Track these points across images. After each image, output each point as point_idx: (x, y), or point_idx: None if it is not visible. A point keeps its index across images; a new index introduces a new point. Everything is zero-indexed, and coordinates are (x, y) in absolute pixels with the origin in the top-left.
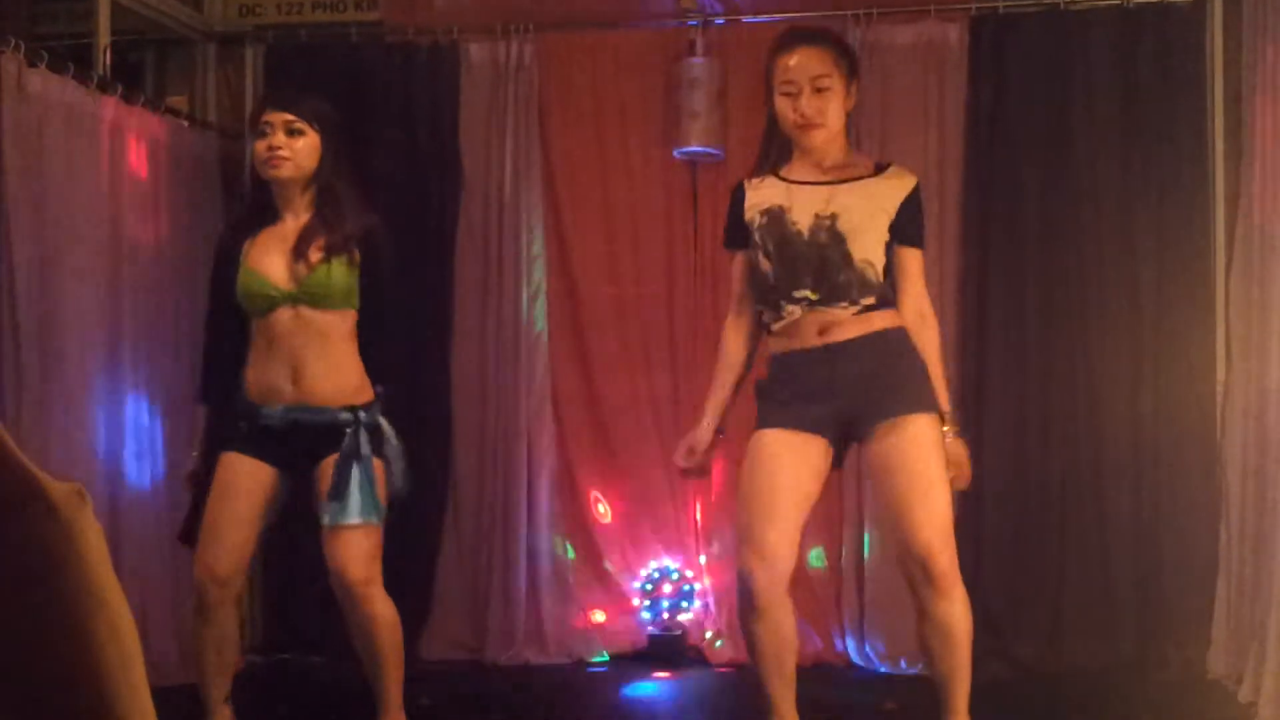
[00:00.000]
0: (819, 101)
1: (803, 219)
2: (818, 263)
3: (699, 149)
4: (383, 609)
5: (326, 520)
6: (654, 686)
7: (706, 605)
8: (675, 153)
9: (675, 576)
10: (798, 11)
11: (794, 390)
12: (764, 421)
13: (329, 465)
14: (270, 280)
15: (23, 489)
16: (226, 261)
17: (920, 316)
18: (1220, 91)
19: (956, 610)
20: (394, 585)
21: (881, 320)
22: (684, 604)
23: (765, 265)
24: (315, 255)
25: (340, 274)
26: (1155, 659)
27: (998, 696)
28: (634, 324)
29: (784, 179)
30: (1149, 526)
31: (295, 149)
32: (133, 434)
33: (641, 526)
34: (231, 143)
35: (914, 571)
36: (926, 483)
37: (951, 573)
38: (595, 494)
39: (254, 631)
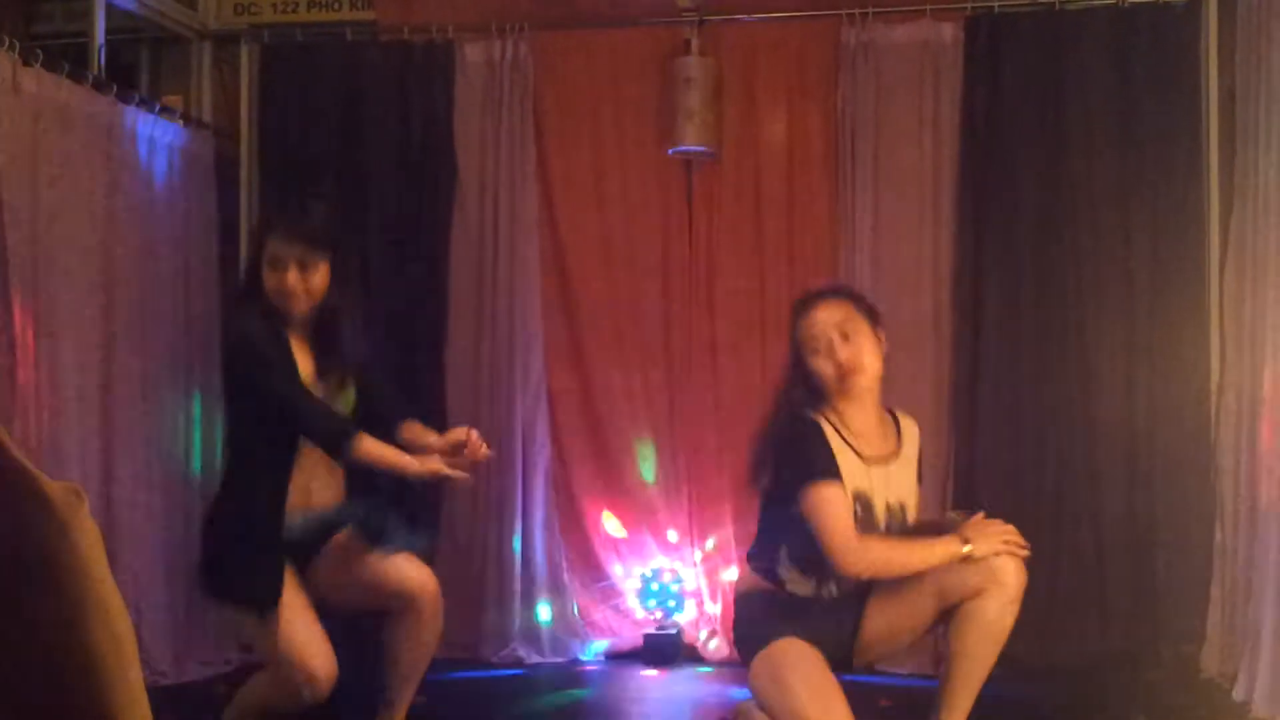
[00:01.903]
0: (851, 347)
1: (880, 510)
2: None
3: (693, 147)
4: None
5: (390, 549)
6: (648, 685)
7: (700, 604)
8: (670, 151)
9: (669, 575)
10: (794, 11)
11: (798, 610)
12: (779, 632)
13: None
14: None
15: (20, 488)
16: (285, 346)
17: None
18: (1215, 91)
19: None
20: None
21: None
22: (678, 603)
23: None
24: (325, 386)
25: (348, 398)
26: (1149, 657)
27: (991, 694)
28: (628, 322)
29: (852, 448)
30: (1143, 524)
31: (311, 286)
32: (128, 433)
33: (636, 525)
34: (226, 142)
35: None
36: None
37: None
38: (589, 492)
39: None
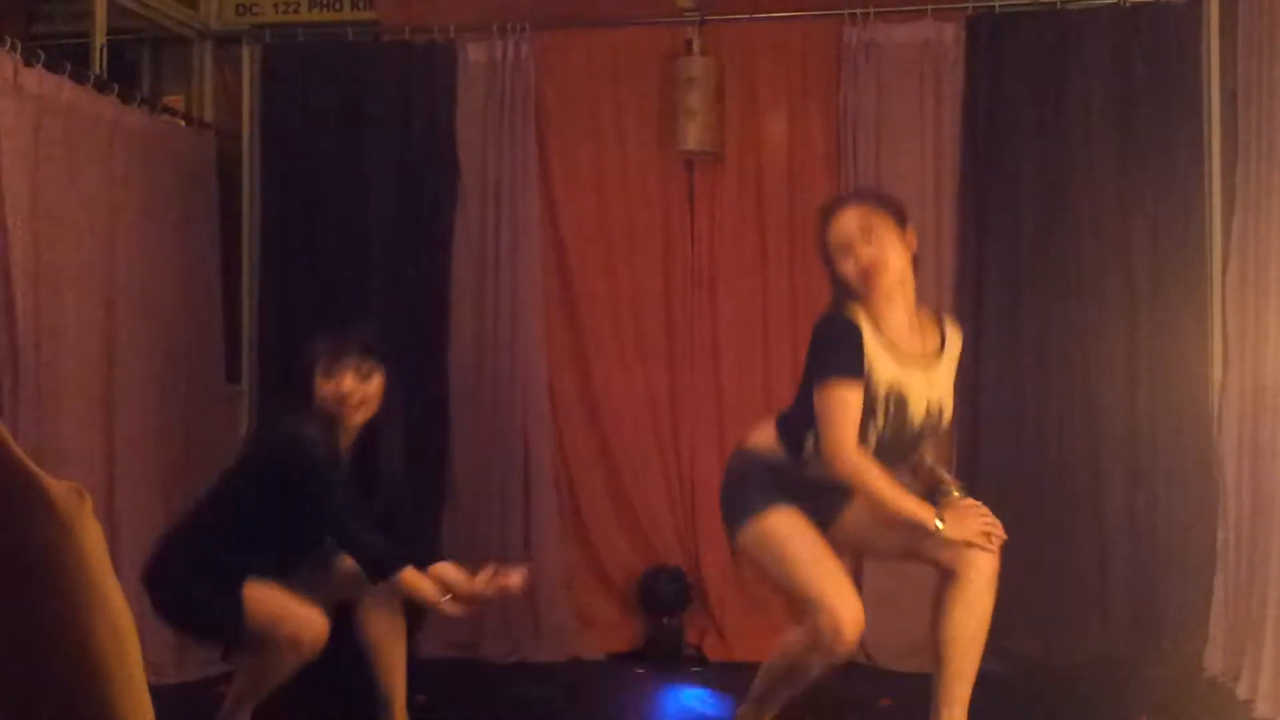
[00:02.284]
0: (873, 248)
1: (919, 407)
2: (916, 444)
3: (695, 147)
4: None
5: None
6: (651, 684)
7: (703, 603)
8: (672, 152)
9: (672, 574)
10: (795, 11)
11: (790, 478)
12: (771, 500)
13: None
14: None
15: (23, 488)
16: (342, 468)
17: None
18: (1216, 91)
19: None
20: None
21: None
22: (681, 602)
23: (875, 428)
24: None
25: None
26: (1152, 656)
27: (994, 692)
28: (630, 322)
29: (886, 344)
30: (1146, 523)
31: (368, 395)
32: (129, 433)
33: (638, 524)
34: (228, 142)
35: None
36: None
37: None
38: (592, 491)
39: None
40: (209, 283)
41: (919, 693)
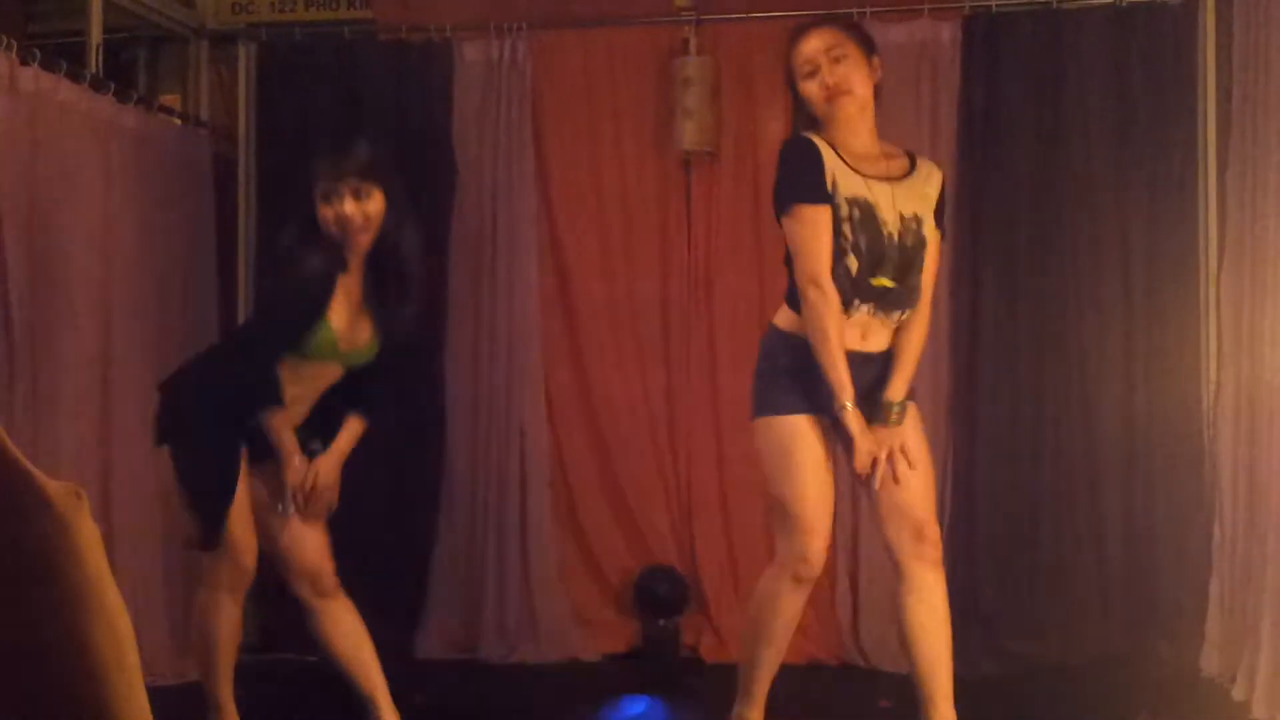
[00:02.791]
0: (840, 69)
1: (890, 218)
2: (903, 266)
3: (692, 147)
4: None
5: (280, 509)
6: (647, 685)
7: (700, 604)
8: (669, 151)
9: (669, 575)
10: (791, 10)
11: (816, 379)
12: (793, 406)
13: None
14: (339, 344)
15: (20, 488)
16: (316, 301)
17: (926, 306)
18: (1212, 91)
19: (942, 586)
20: (387, 583)
21: (904, 328)
22: (677, 603)
23: (851, 260)
24: (368, 329)
25: (374, 348)
26: (1148, 657)
27: (990, 693)
28: (627, 321)
29: (849, 165)
30: (1142, 523)
31: (369, 214)
32: (125, 433)
33: (635, 524)
34: (224, 141)
35: (905, 541)
36: (920, 465)
37: (938, 545)
38: (588, 491)
39: (248, 630)
40: (205, 282)
41: (914, 696)
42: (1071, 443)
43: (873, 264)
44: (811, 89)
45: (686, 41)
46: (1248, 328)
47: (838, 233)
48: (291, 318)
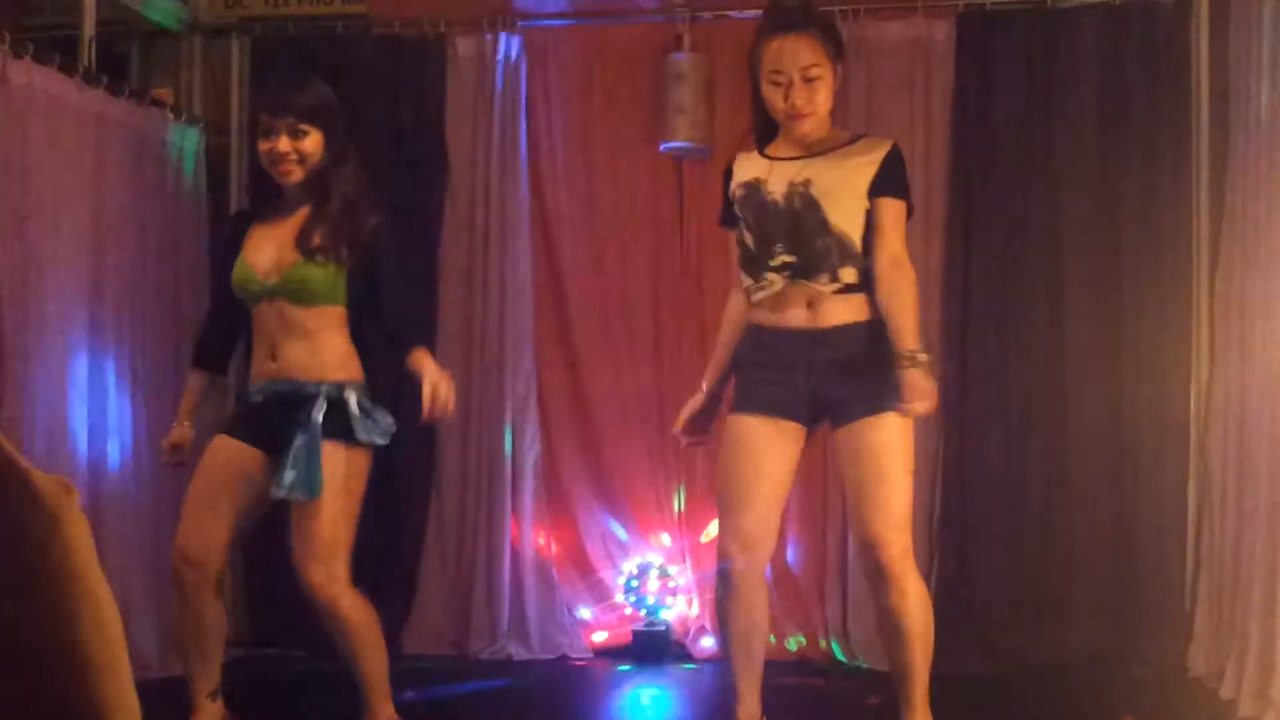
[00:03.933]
0: (808, 91)
1: (778, 188)
2: (791, 228)
3: (685, 144)
4: (348, 608)
5: (272, 492)
6: (638, 681)
7: (690, 600)
8: (661, 147)
9: (659, 571)
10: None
11: (773, 369)
12: (743, 404)
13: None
14: (256, 274)
15: (10, 481)
16: (229, 245)
17: (894, 263)
18: (1205, 90)
19: (909, 604)
20: (377, 579)
21: (862, 308)
22: (668, 599)
23: (746, 236)
24: (294, 255)
25: (319, 274)
26: (1136, 656)
27: (979, 692)
28: (619, 318)
29: (767, 155)
30: (1130, 524)
31: (302, 151)
32: (116, 428)
33: (626, 521)
34: (217, 135)
35: (868, 563)
36: (881, 476)
37: (902, 563)
38: (579, 488)
39: (238, 625)
40: (198, 276)
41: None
42: (1061, 443)
43: (765, 235)
44: (775, 99)
45: (680, 38)
46: (1238, 329)
47: (737, 216)
48: (217, 257)
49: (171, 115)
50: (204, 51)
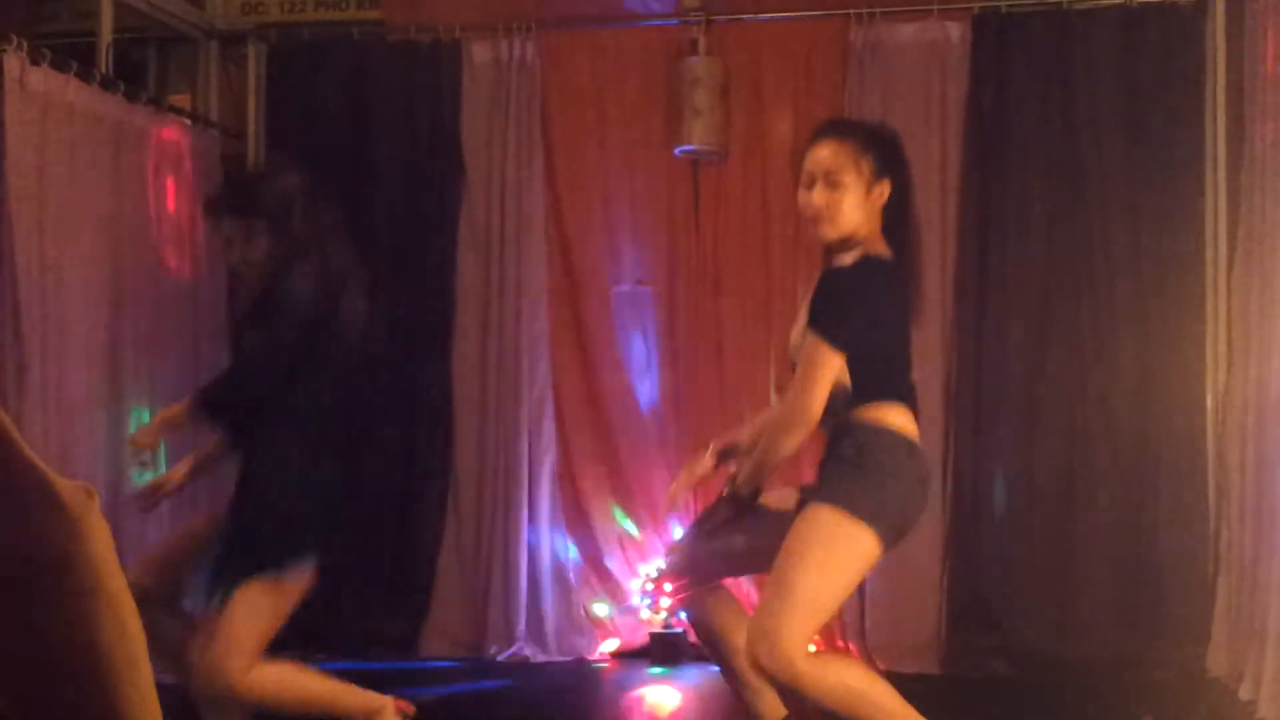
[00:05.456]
0: (827, 195)
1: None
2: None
3: (700, 147)
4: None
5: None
6: (654, 684)
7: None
8: (677, 151)
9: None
10: (801, 10)
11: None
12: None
13: None
14: None
15: (32, 487)
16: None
17: (784, 401)
18: (1221, 91)
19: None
20: (395, 581)
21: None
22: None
23: None
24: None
25: None
26: (1155, 657)
27: (998, 693)
28: (634, 322)
29: None
30: (1149, 525)
31: (248, 257)
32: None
33: (642, 524)
34: (234, 141)
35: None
36: (778, 571)
37: (784, 671)
38: (595, 491)
39: None
40: (215, 282)
41: (919, 692)
42: (1077, 444)
43: None
44: (803, 198)
45: (695, 41)
46: (1255, 331)
47: None
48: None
49: (188, 121)
50: (221, 57)
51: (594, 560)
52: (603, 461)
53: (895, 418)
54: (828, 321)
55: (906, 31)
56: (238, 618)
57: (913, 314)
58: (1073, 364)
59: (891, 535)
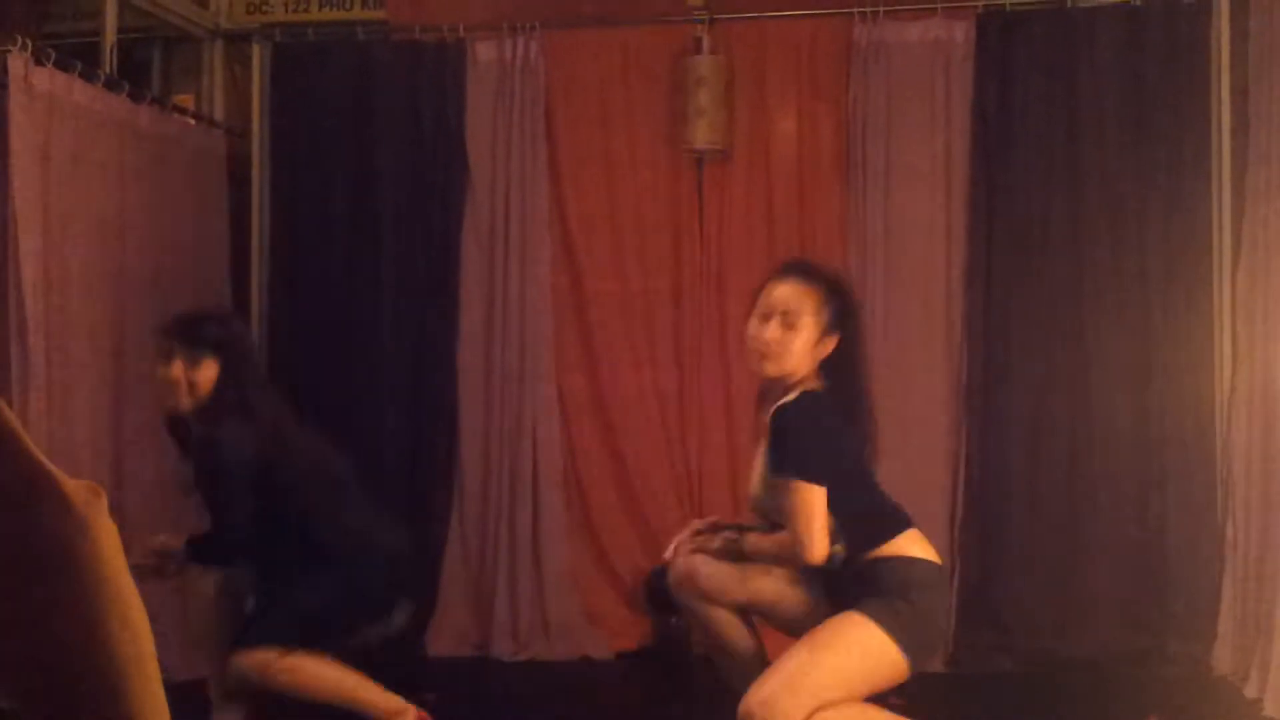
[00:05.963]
0: (781, 333)
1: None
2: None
3: (704, 146)
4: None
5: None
6: (659, 683)
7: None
8: (681, 150)
9: None
10: (805, 9)
11: None
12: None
13: None
14: None
15: (39, 485)
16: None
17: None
18: (1226, 90)
19: None
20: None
21: None
22: None
23: None
24: None
25: None
26: (1160, 654)
27: (1003, 691)
28: (639, 321)
29: None
30: (1154, 521)
31: (195, 381)
32: (138, 431)
33: (647, 522)
34: (238, 140)
35: None
36: (799, 650)
37: None
38: (600, 489)
39: None
40: (219, 282)
41: (924, 690)
42: (1085, 441)
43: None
44: (754, 329)
45: (699, 40)
46: (1261, 327)
47: None
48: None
49: (193, 121)
50: (225, 57)
51: (599, 558)
52: (607, 460)
53: (917, 548)
54: (796, 460)
55: (910, 30)
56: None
57: (869, 443)
58: (1079, 361)
59: (921, 659)
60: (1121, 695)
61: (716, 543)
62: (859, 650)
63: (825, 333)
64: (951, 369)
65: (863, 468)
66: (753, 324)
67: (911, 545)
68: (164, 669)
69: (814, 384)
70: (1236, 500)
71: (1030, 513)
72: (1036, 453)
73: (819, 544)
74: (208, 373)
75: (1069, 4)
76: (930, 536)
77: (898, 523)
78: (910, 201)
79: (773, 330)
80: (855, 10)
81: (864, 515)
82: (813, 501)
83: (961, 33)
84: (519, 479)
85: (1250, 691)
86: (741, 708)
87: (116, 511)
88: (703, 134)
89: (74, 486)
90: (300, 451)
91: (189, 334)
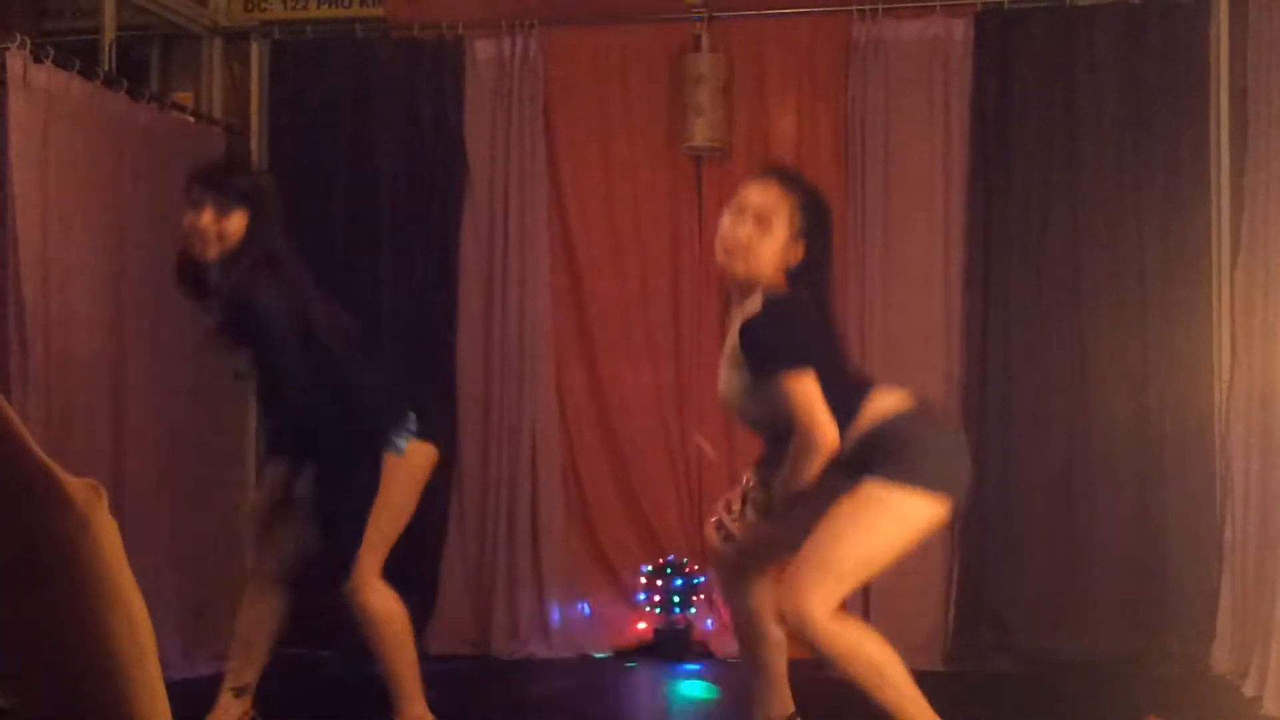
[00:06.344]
0: (751, 232)
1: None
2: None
3: (703, 144)
4: (375, 603)
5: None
6: (659, 680)
7: (711, 598)
8: (680, 148)
9: (680, 569)
10: (804, 7)
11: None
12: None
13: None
14: None
15: (40, 484)
16: None
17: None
18: (1225, 88)
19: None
20: (399, 579)
21: None
22: (689, 597)
23: None
24: None
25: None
26: (1159, 653)
27: (1002, 690)
28: (638, 318)
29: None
30: (1154, 521)
31: (224, 230)
32: (138, 428)
33: (646, 520)
34: (237, 138)
35: None
36: (823, 533)
37: (805, 627)
38: (600, 487)
39: None
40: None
41: (923, 689)
42: (1083, 440)
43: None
44: (726, 225)
45: (698, 38)
46: (1260, 326)
47: None
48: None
49: (191, 118)
50: (224, 55)
51: (599, 556)
52: (606, 457)
53: (889, 403)
54: (777, 355)
55: (909, 28)
56: None
57: (837, 335)
58: (1077, 360)
59: (953, 491)
60: (1120, 694)
61: (748, 513)
62: (878, 513)
63: (794, 239)
64: (950, 365)
65: (830, 352)
66: (726, 221)
67: (883, 403)
68: (165, 666)
69: (778, 290)
70: (1235, 500)
71: (1029, 512)
72: (1035, 453)
73: (828, 427)
74: (237, 223)
75: (1067, 2)
76: (929, 537)
77: (862, 389)
78: (909, 198)
79: (744, 229)
80: (854, 8)
81: (837, 395)
82: (808, 387)
83: (960, 30)
84: (518, 478)
85: (1249, 690)
86: (780, 593)
87: (116, 510)
88: (702, 132)
89: (75, 485)
90: (323, 310)
91: (221, 183)
